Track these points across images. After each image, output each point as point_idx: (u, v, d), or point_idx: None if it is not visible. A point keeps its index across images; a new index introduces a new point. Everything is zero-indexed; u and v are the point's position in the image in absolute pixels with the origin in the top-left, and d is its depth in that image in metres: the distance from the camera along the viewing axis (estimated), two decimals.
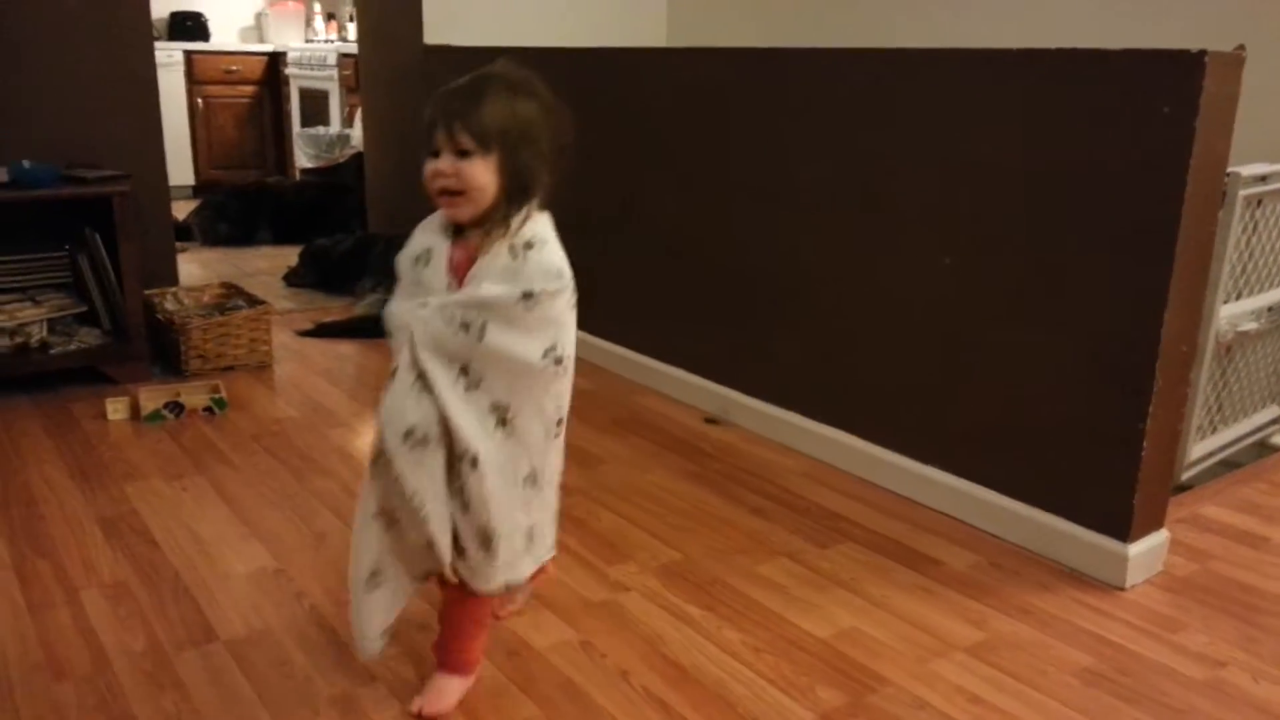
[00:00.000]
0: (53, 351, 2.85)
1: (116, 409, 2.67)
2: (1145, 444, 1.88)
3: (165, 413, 2.67)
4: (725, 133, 2.68)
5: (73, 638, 1.70)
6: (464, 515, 1.40)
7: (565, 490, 2.30)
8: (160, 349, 3.04)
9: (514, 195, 1.36)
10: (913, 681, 1.63)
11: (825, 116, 2.40)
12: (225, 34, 6.70)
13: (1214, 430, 2.39)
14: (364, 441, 2.57)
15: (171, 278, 3.45)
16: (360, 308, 3.69)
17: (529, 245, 1.36)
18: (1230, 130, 1.84)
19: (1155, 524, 1.98)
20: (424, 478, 1.36)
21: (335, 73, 5.85)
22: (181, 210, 5.03)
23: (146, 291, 3.09)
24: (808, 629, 1.78)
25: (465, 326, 1.33)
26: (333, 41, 6.59)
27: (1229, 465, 2.49)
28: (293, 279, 4.17)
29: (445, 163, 1.34)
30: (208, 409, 2.71)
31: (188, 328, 2.97)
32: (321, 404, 2.82)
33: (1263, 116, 2.46)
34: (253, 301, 3.22)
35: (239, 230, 4.99)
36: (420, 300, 1.37)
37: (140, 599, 1.82)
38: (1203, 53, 1.72)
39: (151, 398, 2.68)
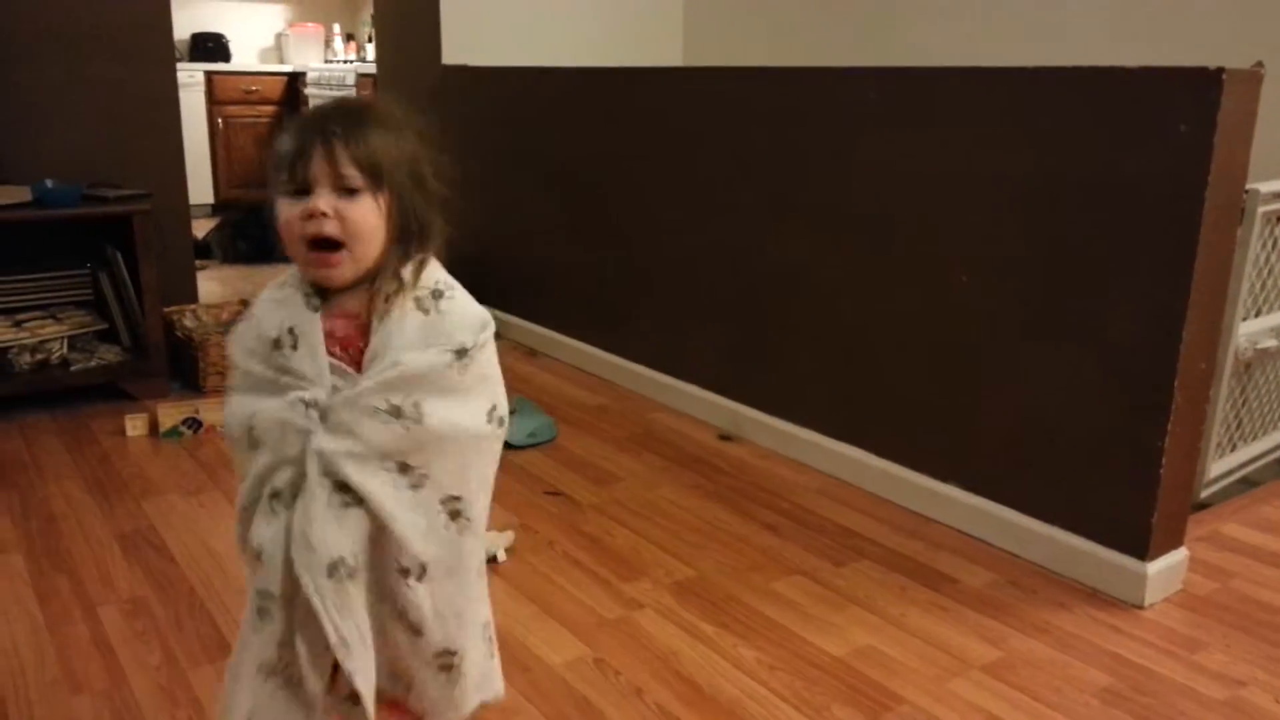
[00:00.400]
0: (73, 368, 2.87)
1: (135, 425, 2.69)
2: (1164, 462, 1.87)
3: (183, 429, 2.69)
4: (741, 150, 2.68)
5: (90, 652, 1.71)
6: (414, 640, 1.12)
7: (581, 507, 2.31)
8: (179, 366, 3.06)
9: (406, 243, 1.10)
10: (930, 700, 1.62)
11: (840, 134, 2.41)
12: (245, 55, 6.77)
13: (1233, 448, 2.37)
14: None
15: (191, 295, 3.48)
16: None
17: (437, 294, 1.11)
18: (1249, 147, 1.83)
19: (1174, 542, 1.97)
20: (353, 619, 1.08)
21: (354, 93, 5.89)
22: (201, 228, 5.07)
23: (166, 309, 3.11)
24: (823, 647, 1.77)
25: (396, 412, 1.05)
26: (351, 62, 6.65)
27: (1249, 483, 2.47)
28: None
29: (324, 201, 1.04)
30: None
31: (206, 345, 2.99)
32: None
33: None
34: None
35: (258, 248, 5.03)
36: (298, 396, 1.06)
37: (157, 614, 1.83)
38: (1220, 70, 1.71)
39: (170, 414, 2.70)
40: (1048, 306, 2.02)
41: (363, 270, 1.08)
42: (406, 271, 1.10)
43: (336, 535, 1.06)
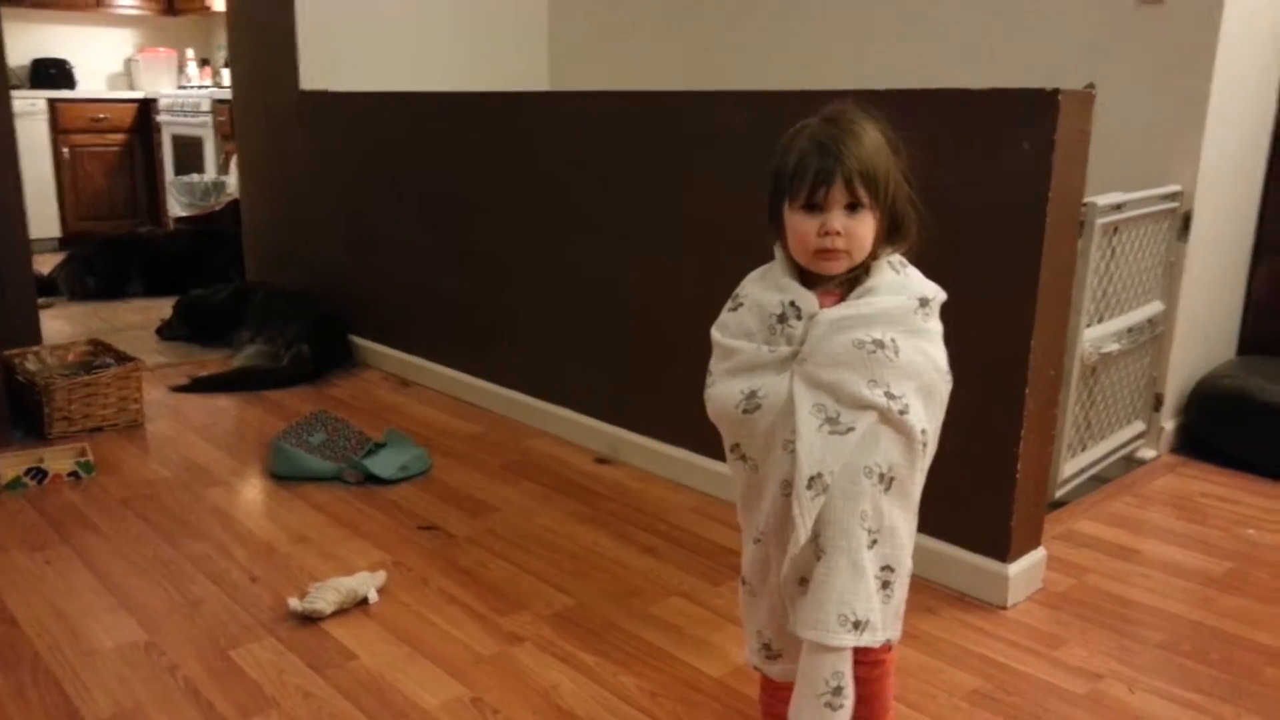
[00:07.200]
0: None
1: None
2: (1019, 466, 1.94)
3: (26, 480, 2.52)
4: (610, 173, 2.69)
5: None
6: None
7: (456, 540, 2.26)
8: (21, 412, 2.88)
9: (889, 240, 1.34)
10: None
11: (709, 157, 2.43)
12: (93, 81, 6.48)
13: (1084, 448, 2.48)
14: (244, 499, 2.47)
15: (34, 336, 3.27)
16: (238, 359, 3.57)
17: (902, 264, 1.38)
18: (1085, 163, 1.93)
19: (1033, 543, 2.04)
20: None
21: (210, 119, 5.70)
22: (47, 264, 4.81)
23: (6, 352, 2.93)
24: (702, 668, 1.77)
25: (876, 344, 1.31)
26: (206, 88, 6.42)
27: (1099, 480, 2.59)
28: (166, 332, 4.01)
29: (838, 221, 1.26)
30: (73, 474, 2.57)
31: (51, 389, 2.83)
32: (196, 462, 2.70)
33: (1116, 149, 2.59)
34: (121, 358, 3.09)
35: (108, 283, 4.78)
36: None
37: None
38: (1056, 91, 1.80)
39: (11, 464, 2.53)
40: None
41: (854, 264, 1.29)
42: (884, 259, 1.31)
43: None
